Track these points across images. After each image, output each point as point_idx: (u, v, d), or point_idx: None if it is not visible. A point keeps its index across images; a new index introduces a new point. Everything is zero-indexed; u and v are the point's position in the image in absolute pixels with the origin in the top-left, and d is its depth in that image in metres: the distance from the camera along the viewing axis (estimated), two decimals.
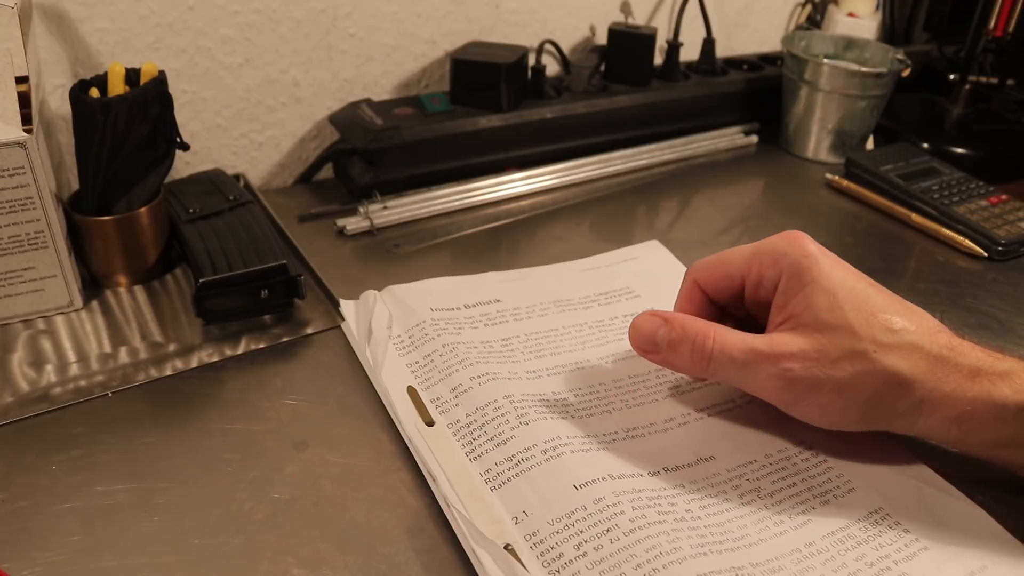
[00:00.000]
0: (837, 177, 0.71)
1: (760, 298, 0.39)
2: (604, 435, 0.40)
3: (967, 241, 0.61)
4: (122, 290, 0.51)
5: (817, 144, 0.75)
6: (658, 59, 0.76)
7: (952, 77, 0.79)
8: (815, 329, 0.36)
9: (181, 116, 0.56)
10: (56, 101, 0.56)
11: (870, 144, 0.77)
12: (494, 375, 0.43)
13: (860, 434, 0.41)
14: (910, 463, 0.40)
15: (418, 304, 0.49)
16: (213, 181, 0.57)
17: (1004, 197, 0.66)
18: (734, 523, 0.36)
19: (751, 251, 0.40)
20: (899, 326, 0.36)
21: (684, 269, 0.56)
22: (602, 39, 0.75)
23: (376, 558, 0.35)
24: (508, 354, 0.46)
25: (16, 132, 0.43)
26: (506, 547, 0.34)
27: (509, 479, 0.37)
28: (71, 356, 0.45)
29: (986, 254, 0.61)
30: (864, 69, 0.71)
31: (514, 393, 0.42)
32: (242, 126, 0.64)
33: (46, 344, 0.46)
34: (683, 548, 0.34)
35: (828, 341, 0.36)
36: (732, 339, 0.38)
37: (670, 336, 0.39)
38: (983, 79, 0.78)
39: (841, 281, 0.37)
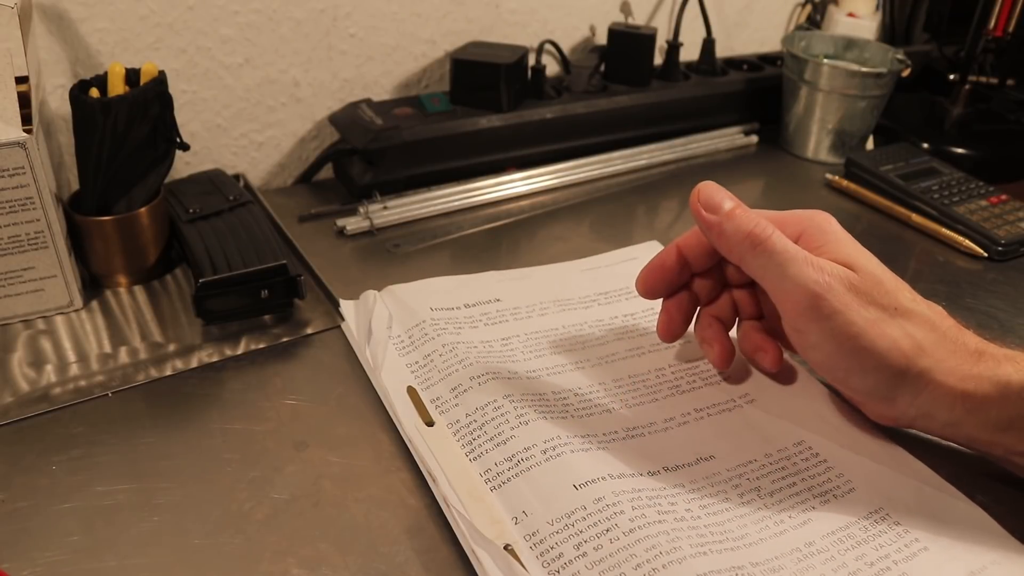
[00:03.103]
0: (837, 177, 0.71)
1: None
2: (604, 435, 0.40)
3: (967, 241, 0.61)
4: (122, 290, 0.51)
5: (817, 144, 0.75)
6: (658, 59, 0.76)
7: (952, 77, 0.79)
8: (851, 268, 0.38)
9: (181, 116, 0.56)
10: (56, 101, 0.56)
11: (870, 144, 0.77)
12: (494, 375, 0.43)
13: (860, 433, 0.41)
14: (910, 463, 0.40)
15: (418, 304, 0.49)
16: (213, 181, 0.57)
17: (1004, 197, 0.66)
18: (734, 523, 0.36)
19: (763, 214, 0.40)
20: (917, 301, 0.38)
21: None
22: (602, 39, 0.75)
23: (376, 558, 0.35)
24: (508, 353, 0.46)
25: (16, 132, 0.43)
26: (506, 547, 0.34)
27: (509, 479, 0.37)
28: (71, 356, 0.45)
29: (986, 254, 0.60)
30: (864, 69, 0.71)
31: (514, 393, 0.42)
32: (242, 126, 0.64)
33: (46, 344, 0.46)
34: (683, 548, 0.34)
35: (863, 283, 0.37)
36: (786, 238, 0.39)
37: (736, 206, 0.39)
38: (983, 79, 0.78)
39: (865, 251, 0.39)
